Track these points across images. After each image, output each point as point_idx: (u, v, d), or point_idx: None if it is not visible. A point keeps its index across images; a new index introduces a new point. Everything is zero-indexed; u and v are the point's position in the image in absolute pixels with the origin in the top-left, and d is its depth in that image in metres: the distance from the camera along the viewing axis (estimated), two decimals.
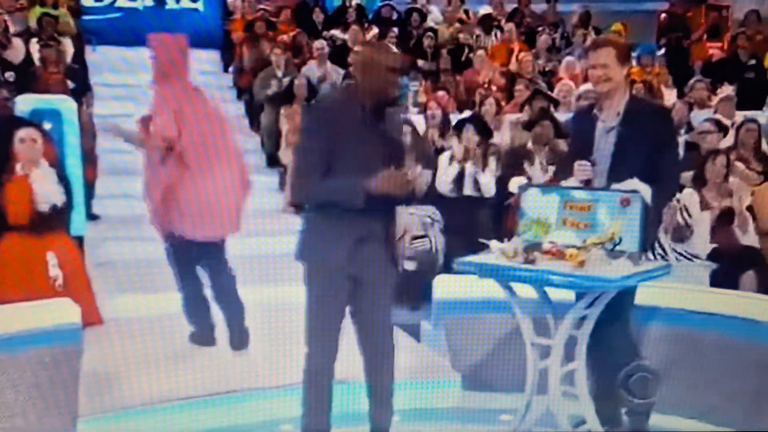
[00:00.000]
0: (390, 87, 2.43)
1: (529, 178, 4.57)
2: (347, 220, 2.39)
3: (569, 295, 2.76)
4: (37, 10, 7.34)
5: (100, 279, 3.94)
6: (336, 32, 7.98)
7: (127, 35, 7.63)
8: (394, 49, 2.50)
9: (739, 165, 4.76)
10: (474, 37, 8.09)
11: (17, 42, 6.59)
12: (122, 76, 7.09)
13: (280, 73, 6.75)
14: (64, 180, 3.81)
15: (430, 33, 7.81)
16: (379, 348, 2.56)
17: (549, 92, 6.17)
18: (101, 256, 4.57)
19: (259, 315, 3.49)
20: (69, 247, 3.78)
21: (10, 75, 6.08)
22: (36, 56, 6.36)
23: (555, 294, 2.80)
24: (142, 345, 3.13)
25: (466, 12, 8.73)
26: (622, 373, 2.67)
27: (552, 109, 5.52)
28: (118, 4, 8.74)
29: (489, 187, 4.77)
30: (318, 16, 8.28)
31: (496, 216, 4.66)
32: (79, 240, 4.20)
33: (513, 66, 7.28)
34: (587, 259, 2.63)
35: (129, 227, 4.74)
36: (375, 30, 8.03)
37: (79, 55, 6.99)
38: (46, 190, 3.68)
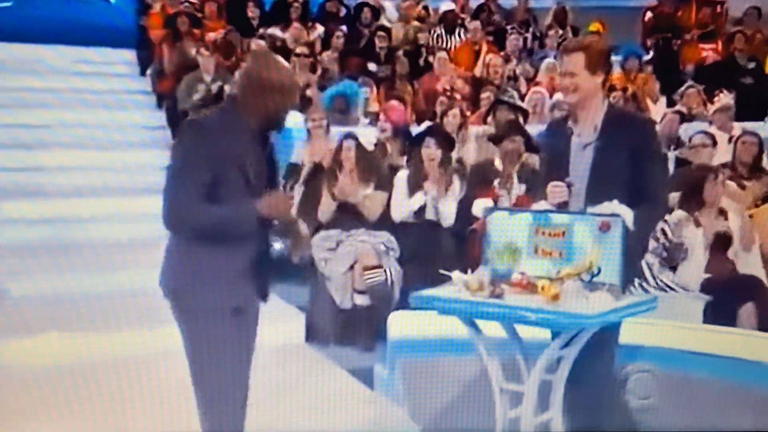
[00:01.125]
0: (273, 111, 2.49)
1: (496, 200, 4.68)
2: (230, 247, 2.48)
3: (543, 334, 2.85)
4: None
5: None
6: (274, 30, 8.06)
7: (21, 29, 7.56)
8: (285, 64, 2.56)
9: (731, 184, 4.91)
10: (434, 37, 8.27)
11: None
12: (16, 79, 7.04)
13: (208, 78, 6.78)
14: None
15: (383, 32, 7.98)
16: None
17: (518, 101, 6.34)
18: None
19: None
20: None
21: None
22: None
23: (526, 332, 2.88)
24: (39, 396, 3.08)
25: (426, 8, 8.91)
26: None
27: (521, 120, 5.70)
28: None
29: (449, 216, 4.88)
30: (252, 12, 8.34)
31: (459, 243, 4.74)
32: None
33: (479, 70, 7.46)
34: (562, 293, 2.72)
35: (32, 258, 4.69)
36: (319, 28, 8.15)
37: None
38: None
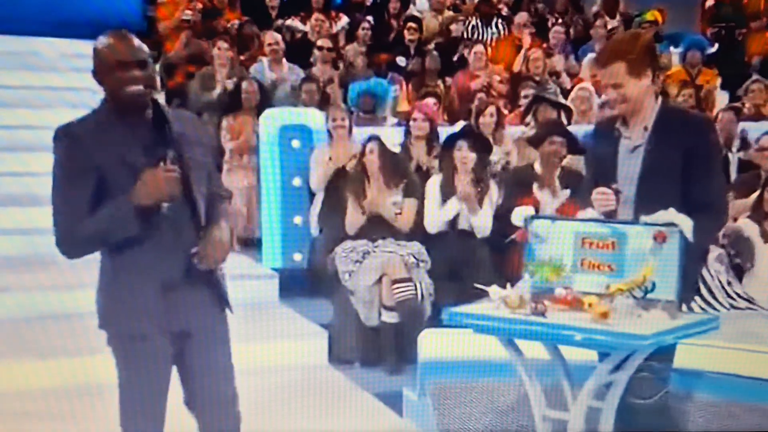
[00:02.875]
0: (125, 86, 2.40)
1: (537, 208, 4.67)
2: (145, 263, 2.44)
3: (590, 356, 2.84)
4: None
5: None
6: (294, 22, 8.13)
7: (14, 19, 7.68)
8: (130, 37, 2.47)
9: None
10: (469, 28, 8.28)
11: None
12: (10, 75, 7.15)
13: (223, 74, 6.85)
14: None
15: (413, 24, 7.98)
16: (218, 405, 2.62)
17: (560, 98, 6.33)
18: None
19: None
20: None
21: None
22: None
23: (571, 354, 2.88)
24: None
25: None
26: None
27: (564, 119, 5.69)
28: None
29: (484, 226, 4.89)
30: (271, 1, 8.41)
31: (496, 255, 4.73)
32: None
33: (518, 65, 7.45)
34: (611, 310, 2.70)
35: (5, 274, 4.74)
36: (344, 19, 8.20)
37: None
38: None
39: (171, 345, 2.51)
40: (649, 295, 2.75)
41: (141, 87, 2.40)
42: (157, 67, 7.93)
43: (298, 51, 7.41)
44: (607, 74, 2.92)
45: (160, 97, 7.65)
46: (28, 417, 3.67)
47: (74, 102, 6.74)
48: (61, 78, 7.21)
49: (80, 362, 3.85)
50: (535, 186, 4.84)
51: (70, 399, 3.65)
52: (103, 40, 2.45)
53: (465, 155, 4.91)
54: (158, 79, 7.71)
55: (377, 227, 4.86)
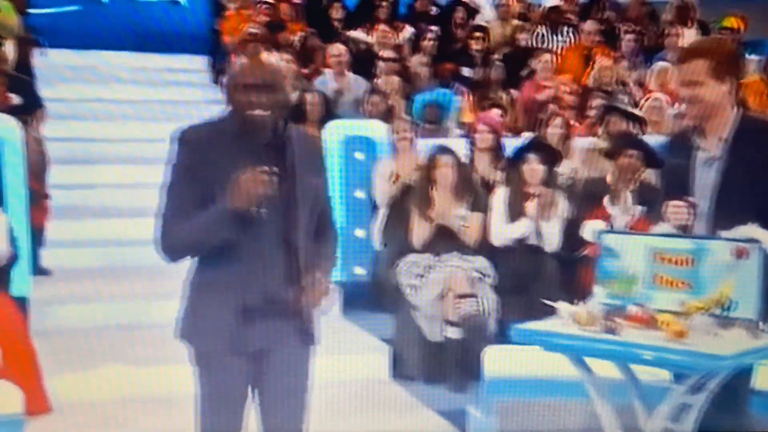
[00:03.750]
0: (248, 109, 2.41)
1: (610, 223, 4.62)
2: (233, 279, 2.44)
3: (664, 376, 2.79)
4: None
5: (48, 352, 4.06)
6: (358, 33, 8.19)
7: (86, 35, 7.92)
8: (271, 60, 2.54)
9: None
10: (537, 37, 8.23)
11: None
12: (80, 88, 7.38)
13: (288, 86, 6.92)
14: (2, 226, 3.96)
15: (479, 33, 7.98)
16: None
17: (632, 109, 6.24)
18: (49, 322, 4.70)
19: None
20: (8, 312, 3.92)
21: None
22: None
23: (645, 373, 2.82)
24: None
25: (528, 6, 8.88)
26: None
27: (637, 131, 5.60)
28: None
29: (553, 240, 4.85)
30: (337, 13, 8.49)
31: (566, 270, 4.71)
32: (23, 302, 4.34)
33: (589, 76, 7.37)
34: (688, 329, 2.66)
35: (89, 285, 4.89)
36: (408, 30, 8.23)
37: (24, 62, 7.20)
38: None
39: (248, 366, 2.51)
40: (728, 314, 2.69)
41: (266, 112, 2.41)
42: (222, 80, 8.13)
43: (363, 62, 7.46)
44: (686, 71, 2.85)
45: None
46: (109, 425, 3.76)
47: (139, 115, 6.95)
48: (125, 91, 7.41)
49: (157, 372, 3.94)
50: (606, 199, 4.78)
51: (149, 407, 3.74)
52: (240, 59, 2.51)
53: (534, 168, 4.87)
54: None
55: (443, 241, 4.84)
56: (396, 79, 7.23)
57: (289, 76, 6.91)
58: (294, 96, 6.67)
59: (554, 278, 4.72)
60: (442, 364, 4.61)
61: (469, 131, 5.95)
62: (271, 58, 2.52)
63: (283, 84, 2.51)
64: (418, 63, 7.68)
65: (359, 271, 5.46)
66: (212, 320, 2.46)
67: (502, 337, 3.80)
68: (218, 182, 2.37)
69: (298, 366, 2.57)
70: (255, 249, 2.43)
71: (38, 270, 5.27)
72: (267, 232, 2.44)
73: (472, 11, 8.60)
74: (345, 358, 4.36)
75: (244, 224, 2.38)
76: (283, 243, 2.46)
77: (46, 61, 7.73)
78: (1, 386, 3.24)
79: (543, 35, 8.24)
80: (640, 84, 7.28)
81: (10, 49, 7.00)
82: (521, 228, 4.86)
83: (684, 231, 2.87)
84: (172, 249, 2.47)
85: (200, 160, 2.43)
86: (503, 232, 4.90)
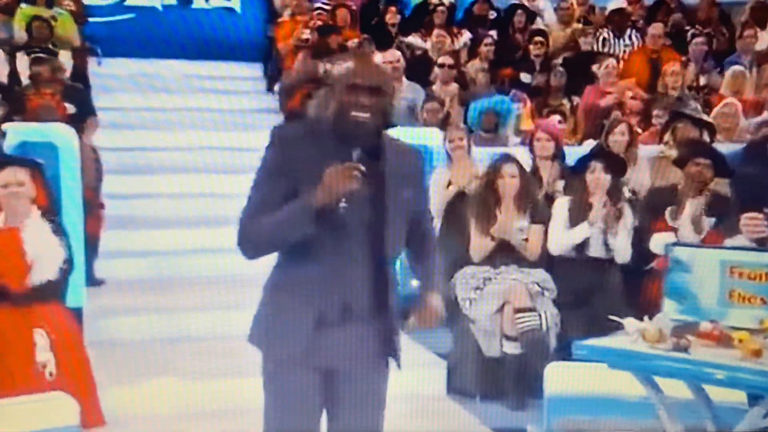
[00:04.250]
0: (352, 110, 2.36)
1: (677, 235, 4.52)
2: (310, 283, 2.40)
3: (739, 397, 2.72)
4: (26, 11, 7.72)
5: (103, 364, 4.12)
6: (414, 39, 8.20)
7: (141, 43, 8.09)
8: (376, 60, 2.49)
9: None
10: (600, 41, 8.14)
11: None
12: (135, 97, 7.52)
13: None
14: (60, 235, 4.01)
15: (539, 37, 7.94)
16: None
17: (702, 115, 6.12)
18: (102, 333, 4.78)
19: None
20: (64, 322, 3.96)
21: None
22: (24, 73, 6.73)
23: (718, 394, 2.77)
24: None
25: (591, 8, 8.79)
26: None
27: (708, 138, 5.48)
28: (129, 1, 9.21)
29: (624, 251, 4.76)
30: (392, 18, 8.51)
31: (632, 284, 4.63)
32: (77, 313, 4.40)
33: (653, 80, 7.26)
34: (764, 347, 2.60)
35: (141, 296, 4.96)
36: (466, 35, 8.21)
37: (80, 71, 7.40)
38: (37, 249, 3.89)
39: (321, 379, 2.45)
40: None
41: (366, 115, 2.36)
42: (276, 88, 8.22)
43: (418, 69, 7.46)
44: None
45: (280, 119, 7.91)
46: None
47: (192, 124, 7.05)
48: (179, 100, 7.52)
49: (211, 386, 3.98)
50: (668, 211, 4.69)
51: (201, 422, 3.78)
52: (345, 57, 2.48)
53: (599, 177, 4.79)
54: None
55: (503, 253, 4.79)
56: (453, 85, 7.22)
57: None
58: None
59: (619, 292, 4.64)
60: (500, 381, 4.56)
61: (527, 139, 5.89)
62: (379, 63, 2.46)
63: (391, 89, 2.47)
64: (475, 69, 7.66)
65: (414, 283, 5.42)
66: (286, 326, 2.41)
67: (564, 353, 3.75)
68: (304, 181, 2.34)
69: (377, 384, 2.51)
70: (336, 254, 2.39)
71: (92, 280, 5.37)
72: (350, 238, 2.39)
73: (532, 15, 8.55)
74: (398, 372, 4.35)
75: (326, 222, 2.33)
76: (368, 251, 2.41)
77: (102, 70, 7.93)
78: (58, 398, 3.28)
79: (606, 39, 8.16)
80: (711, 89, 7.14)
81: (67, 58, 7.18)
82: (581, 233, 4.78)
83: (761, 244, 2.81)
84: (249, 244, 2.42)
85: (289, 159, 2.40)
86: (562, 238, 4.83)
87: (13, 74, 6.92)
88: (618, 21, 8.28)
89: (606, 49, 8.04)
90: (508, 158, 4.93)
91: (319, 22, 8.18)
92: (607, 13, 8.60)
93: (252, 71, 8.70)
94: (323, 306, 2.40)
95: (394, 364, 2.58)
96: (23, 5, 7.80)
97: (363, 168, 2.30)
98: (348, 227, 2.38)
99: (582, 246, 4.81)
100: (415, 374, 4.50)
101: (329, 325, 2.40)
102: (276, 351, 2.44)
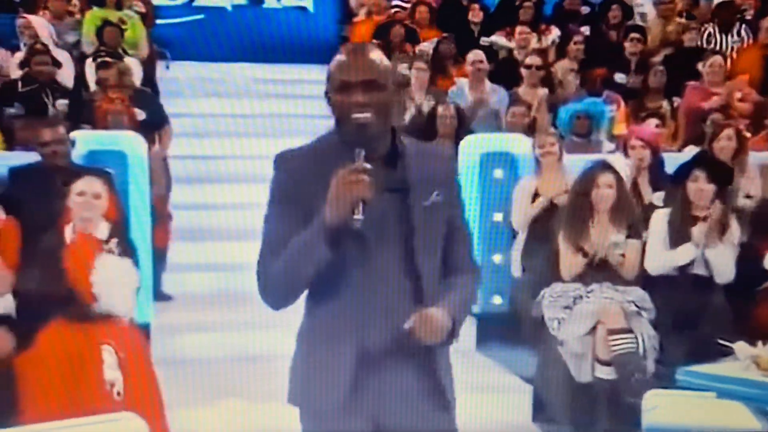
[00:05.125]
0: (348, 117, 2.21)
1: None
2: (342, 324, 2.25)
3: None
4: (96, 14, 7.94)
5: (166, 383, 4.18)
6: (498, 38, 8.18)
7: (211, 45, 8.25)
8: (367, 53, 2.26)
9: None
10: (705, 37, 7.99)
11: (63, 56, 7.19)
12: (203, 103, 7.68)
13: (418, 98, 6.99)
14: (128, 247, 4.15)
15: (636, 34, 7.84)
16: None
17: None
18: (170, 350, 4.88)
19: None
20: (132, 339, 4.07)
21: (62, 104, 6.56)
22: (92, 78, 6.89)
23: None
24: None
25: (695, 1, 8.65)
26: None
27: None
28: (198, 2, 9.46)
29: (725, 269, 4.66)
30: (475, 16, 8.52)
31: (741, 306, 4.54)
32: (145, 329, 4.54)
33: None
34: None
35: (210, 311, 5.06)
36: (554, 32, 8.16)
37: (149, 75, 7.59)
38: (106, 262, 4.00)
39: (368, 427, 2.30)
40: None
41: (367, 114, 2.19)
42: None
43: (503, 70, 7.44)
44: None
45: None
46: None
47: (270, 130, 7.15)
48: (255, 105, 7.63)
49: (278, 410, 4.02)
50: None
51: None
52: (337, 55, 2.30)
53: (702, 187, 4.71)
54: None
55: (596, 271, 4.73)
56: (540, 88, 7.17)
57: (423, 85, 6.99)
58: (426, 107, 6.75)
59: (726, 314, 4.54)
60: (592, 409, 4.52)
61: (623, 145, 5.82)
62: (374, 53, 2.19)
63: (386, 79, 2.25)
64: (564, 69, 7.60)
65: (497, 300, 5.42)
66: (323, 374, 2.27)
67: (664, 379, 3.69)
68: (318, 205, 2.17)
69: (434, 423, 2.33)
70: (364, 278, 2.23)
71: (159, 295, 5.49)
72: (376, 256, 2.23)
73: (629, 10, 8.44)
74: (479, 397, 4.31)
75: (344, 242, 2.17)
76: (399, 269, 2.26)
77: (169, 74, 8.12)
78: (126, 418, 3.36)
79: (711, 34, 8.01)
80: None
81: (136, 62, 7.37)
82: (684, 256, 4.70)
83: None
84: (270, 290, 2.27)
85: (297, 184, 2.26)
86: (663, 260, 4.75)
87: (80, 79, 7.12)
88: (725, 15, 8.13)
89: (711, 46, 7.90)
90: (604, 166, 4.86)
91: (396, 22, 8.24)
92: (713, 6, 8.45)
93: (325, 75, 8.76)
94: (361, 343, 2.25)
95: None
96: (94, 8, 8.05)
97: (369, 167, 2.12)
98: (370, 244, 2.22)
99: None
100: (497, 399, 4.49)
101: (371, 366, 2.26)
102: (315, 404, 2.32)
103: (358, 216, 2.13)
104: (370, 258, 2.23)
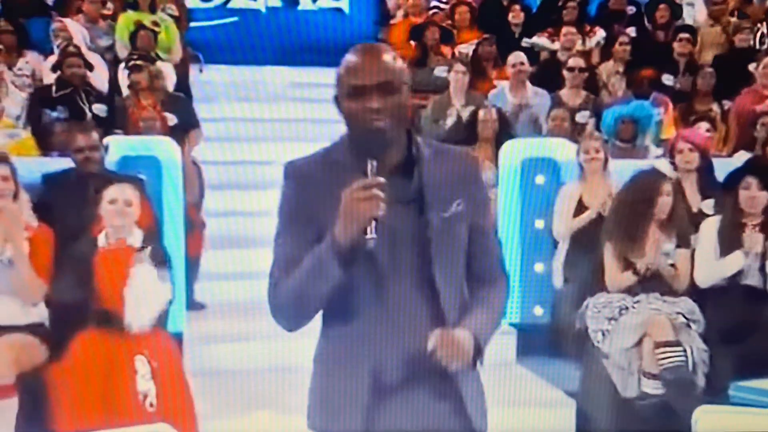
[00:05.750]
0: (361, 124, 2.12)
1: None
2: (356, 342, 2.17)
3: None
4: (129, 17, 8.01)
5: (203, 394, 4.24)
6: (540, 39, 8.16)
7: (244, 48, 8.30)
8: (378, 53, 2.16)
9: None
10: (758, 37, 7.92)
11: (96, 59, 7.31)
12: (237, 107, 7.73)
13: (459, 102, 6.99)
14: (162, 255, 4.19)
15: (685, 34, 7.80)
16: None
17: None
18: (204, 360, 4.92)
19: None
20: (165, 349, 4.12)
21: (100, 108, 6.65)
22: (124, 82, 6.99)
23: None
24: None
25: (748, 1, 8.58)
26: None
27: None
28: (232, 4, 9.53)
29: None
30: (516, 17, 8.52)
31: None
32: (178, 338, 4.58)
33: None
34: None
35: (243, 321, 5.09)
36: (599, 33, 8.12)
37: (182, 79, 7.67)
38: (139, 270, 4.04)
39: None
40: None
41: (382, 120, 2.10)
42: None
43: (545, 72, 7.42)
44: None
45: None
46: None
47: (304, 135, 7.18)
48: (289, 109, 7.67)
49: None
50: None
51: None
52: (346, 56, 2.20)
53: (754, 194, 4.67)
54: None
55: (646, 283, 4.69)
56: (585, 91, 7.15)
57: (464, 89, 6.99)
58: (466, 112, 6.74)
59: None
60: (639, 425, 4.47)
61: (670, 150, 5.77)
62: (387, 54, 2.17)
63: (401, 80, 2.14)
64: (610, 71, 7.56)
65: (538, 311, 5.40)
66: (337, 403, 2.20)
67: (715, 395, 3.66)
68: (329, 221, 2.08)
69: None
70: (379, 301, 2.15)
71: (193, 304, 5.54)
72: (391, 277, 2.15)
73: (678, 9, 8.38)
74: (520, 411, 4.31)
75: (357, 262, 2.08)
76: (417, 290, 2.16)
77: (202, 77, 8.19)
78: (159, 430, 3.40)
79: (765, 34, 7.93)
80: None
81: (169, 66, 7.45)
82: (734, 264, 4.66)
83: None
84: (282, 311, 2.21)
85: (308, 198, 2.19)
86: (712, 270, 4.70)
87: (113, 84, 7.22)
88: None
89: (765, 47, 7.82)
90: (657, 173, 4.83)
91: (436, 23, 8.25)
92: (767, 5, 8.38)
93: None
94: (377, 367, 2.17)
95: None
96: (129, 11, 8.12)
97: (382, 181, 2.03)
98: (383, 261, 2.13)
99: (735, 273, 4.69)
100: (539, 414, 4.48)
101: (388, 391, 2.17)
102: (332, 430, 2.23)
103: (371, 235, 2.04)
104: (385, 276, 2.15)
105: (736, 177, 4.83)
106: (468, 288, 2.26)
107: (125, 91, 6.96)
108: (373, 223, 2.04)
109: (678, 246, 4.74)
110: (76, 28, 7.72)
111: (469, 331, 2.14)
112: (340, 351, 2.22)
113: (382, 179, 2.03)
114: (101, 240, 4.13)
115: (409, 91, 2.17)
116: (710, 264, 4.73)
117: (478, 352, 2.16)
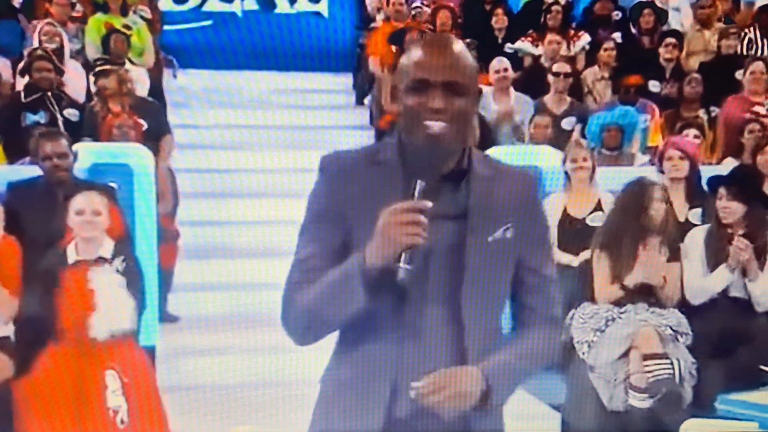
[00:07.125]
0: (416, 124, 1.96)
1: None
2: (369, 373, 2.02)
3: None
4: (99, 19, 7.91)
5: (177, 410, 4.21)
6: (524, 44, 8.20)
7: (220, 52, 8.30)
8: (447, 45, 1.99)
9: None
10: (745, 43, 7.98)
11: (73, 65, 7.24)
12: (212, 113, 7.72)
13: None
14: (134, 266, 4.18)
15: (672, 39, 7.86)
16: None
17: None
18: (177, 375, 4.92)
19: None
20: (136, 363, 4.10)
21: (71, 113, 6.55)
22: (93, 87, 6.90)
23: None
24: None
25: (736, 5, 8.64)
26: None
27: None
28: (207, 7, 9.51)
29: (765, 295, 4.64)
30: (500, 21, 8.55)
31: None
32: (150, 352, 4.55)
33: None
34: None
35: (219, 334, 5.08)
36: (584, 38, 8.17)
37: (156, 85, 7.62)
38: (109, 282, 4.04)
39: None
40: None
41: (441, 124, 1.94)
42: (367, 101, 8.28)
43: (529, 78, 7.45)
44: None
45: (371, 135, 7.98)
46: None
47: (282, 142, 7.19)
48: (266, 115, 7.66)
49: None
50: None
51: None
52: (414, 45, 2.05)
53: (725, 204, 4.70)
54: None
55: (635, 294, 4.70)
56: (569, 97, 7.19)
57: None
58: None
59: None
60: None
61: (658, 157, 5.79)
62: (458, 46, 1.96)
63: (470, 83, 1.98)
64: (595, 77, 7.61)
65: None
66: (350, 428, 2.05)
67: (702, 408, 3.67)
68: (359, 229, 1.97)
69: None
70: (401, 334, 2.00)
71: (166, 316, 5.52)
72: (419, 312, 2.00)
73: (663, 14, 8.45)
74: (507, 423, 4.33)
75: (384, 289, 1.94)
76: (441, 331, 2.01)
77: (177, 83, 8.17)
78: None
79: (753, 40, 8.00)
80: None
81: (142, 71, 7.42)
82: (719, 280, 4.69)
83: None
84: (294, 322, 2.06)
85: (340, 198, 2.03)
86: (701, 285, 4.73)
87: (88, 89, 7.16)
88: (767, 20, 8.10)
89: (753, 53, 7.88)
90: (649, 182, 4.84)
91: (422, 28, 8.25)
92: (754, 10, 8.45)
93: (340, 83, 8.82)
94: (391, 397, 2.01)
95: None
96: (99, 13, 8.04)
97: (429, 205, 1.89)
98: (413, 297, 1.98)
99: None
100: (524, 427, 4.47)
101: (401, 424, 2.01)
102: None
103: (404, 266, 1.90)
104: (411, 299, 1.99)
105: (712, 185, 4.86)
106: (511, 327, 2.10)
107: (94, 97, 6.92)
108: (409, 252, 1.90)
109: (669, 260, 4.75)
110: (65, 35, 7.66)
111: (480, 371, 1.98)
112: (352, 379, 2.05)
113: (428, 203, 1.89)
114: (71, 251, 4.11)
115: (477, 99, 2.05)
116: (699, 281, 4.75)
117: (488, 395, 2.00)
